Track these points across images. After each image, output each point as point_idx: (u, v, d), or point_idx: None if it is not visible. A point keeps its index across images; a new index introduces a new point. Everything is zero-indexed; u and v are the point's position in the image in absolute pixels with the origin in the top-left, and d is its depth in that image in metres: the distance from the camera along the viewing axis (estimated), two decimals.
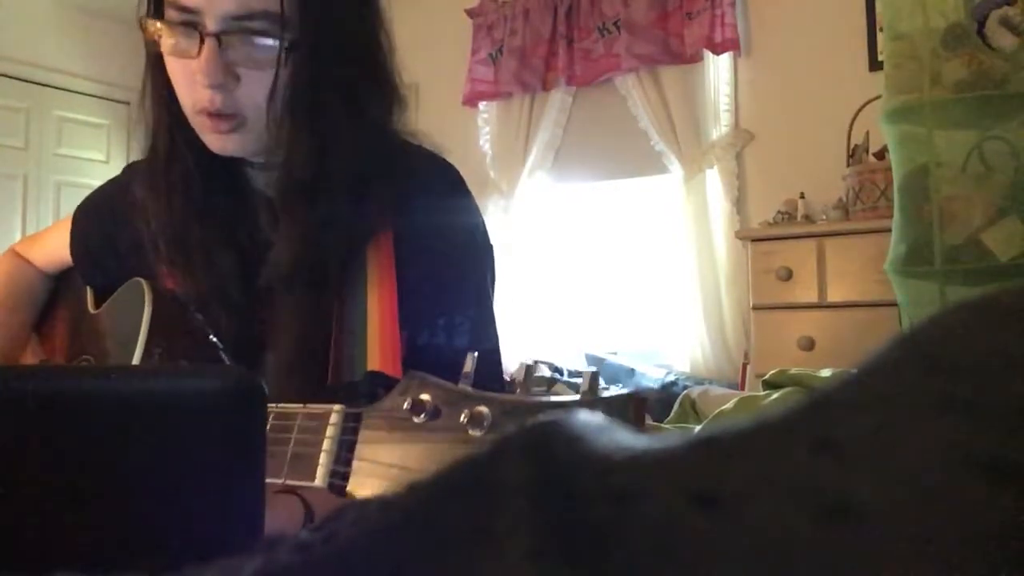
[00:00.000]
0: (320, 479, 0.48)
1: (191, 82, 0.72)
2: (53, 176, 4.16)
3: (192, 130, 0.75)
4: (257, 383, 0.33)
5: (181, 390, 0.32)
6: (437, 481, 0.17)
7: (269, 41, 0.70)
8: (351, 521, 0.18)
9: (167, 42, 0.72)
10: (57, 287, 1.00)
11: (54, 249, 0.98)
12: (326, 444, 0.49)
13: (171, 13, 0.71)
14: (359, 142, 0.75)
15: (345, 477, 0.47)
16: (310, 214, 0.74)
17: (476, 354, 0.47)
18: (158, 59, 0.76)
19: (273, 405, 0.53)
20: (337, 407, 0.50)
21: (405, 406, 0.45)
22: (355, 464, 0.47)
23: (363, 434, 0.48)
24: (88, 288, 0.93)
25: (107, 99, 4.27)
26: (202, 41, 0.69)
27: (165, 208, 0.78)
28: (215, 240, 0.78)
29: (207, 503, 0.31)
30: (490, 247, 0.85)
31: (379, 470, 0.46)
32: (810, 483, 0.14)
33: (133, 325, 0.78)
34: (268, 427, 0.52)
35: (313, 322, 0.73)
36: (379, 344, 0.69)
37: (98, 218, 0.93)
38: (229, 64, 0.70)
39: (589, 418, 0.18)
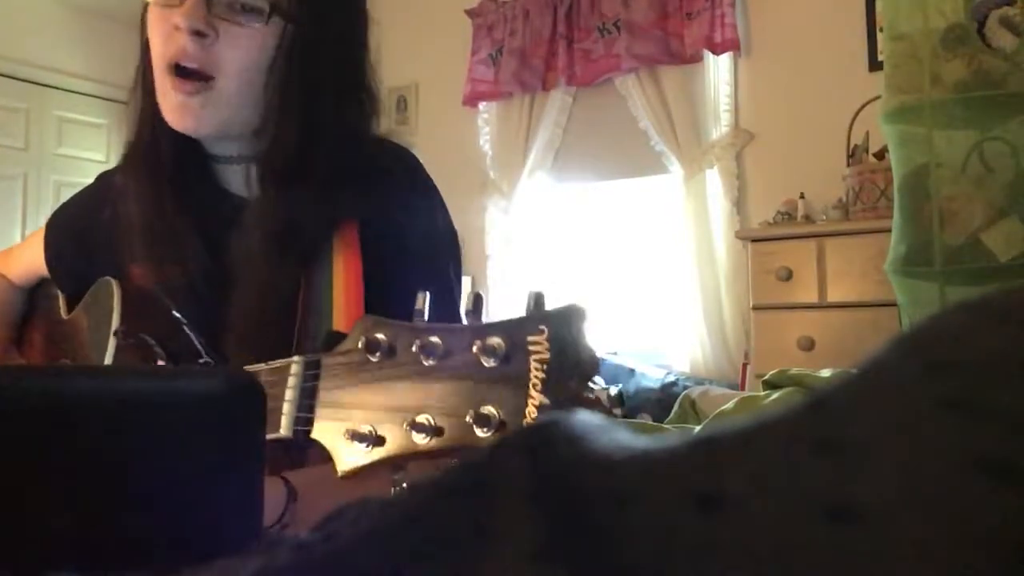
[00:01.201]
0: (284, 428, 0.49)
1: (169, 33, 0.73)
2: (53, 176, 4.16)
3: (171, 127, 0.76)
4: (256, 383, 0.33)
5: (179, 390, 0.32)
6: (437, 481, 0.17)
7: (255, 4, 0.72)
8: (351, 521, 0.18)
9: None
10: (34, 300, 1.01)
11: (28, 262, 0.98)
12: (288, 395, 0.50)
13: None
14: (342, 130, 0.77)
15: (308, 423, 0.48)
16: (289, 192, 0.75)
17: (427, 293, 0.48)
18: (148, 48, 0.77)
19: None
20: (296, 358, 0.51)
21: (360, 345, 0.46)
22: (318, 410, 0.48)
23: (323, 381, 0.48)
24: (60, 296, 0.94)
25: (107, 99, 4.26)
26: None
27: (141, 196, 0.80)
28: (185, 232, 0.79)
29: (205, 503, 0.31)
30: (454, 237, 0.87)
31: (340, 413, 0.46)
32: (810, 484, 0.14)
33: (104, 319, 0.79)
34: None
35: (277, 305, 0.74)
36: (344, 324, 0.69)
37: (70, 226, 0.94)
38: (212, 17, 0.72)
39: (590, 418, 0.18)
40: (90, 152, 4.30)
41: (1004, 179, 1.77)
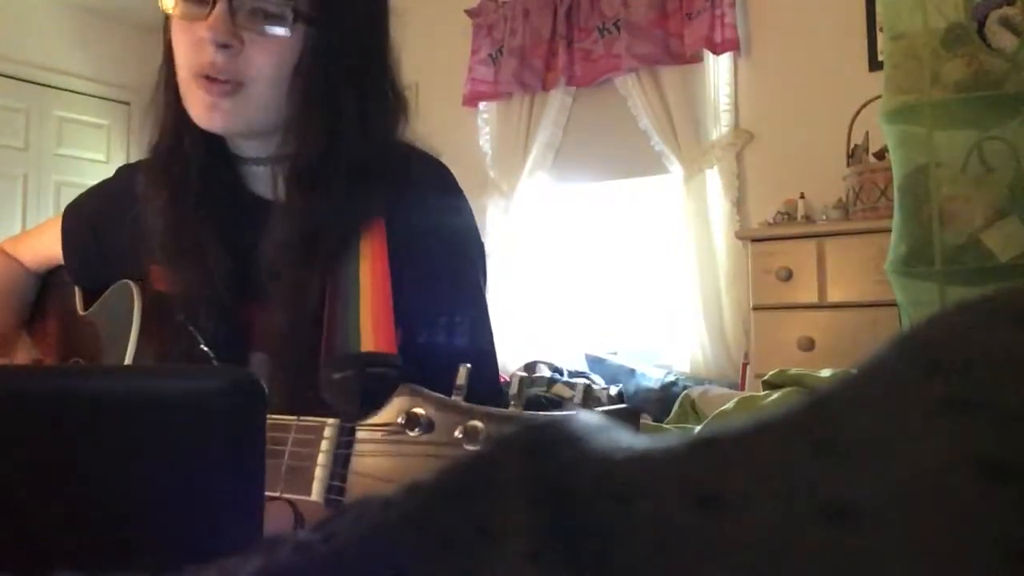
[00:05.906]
0: (316, 494, 0.49)
1: (196, 45, 0.73)
2: (53, 176, 4.16)
3: (197, 129, 0.76)
4: (257, 383, 0.33)
5: (181, 390, 0.32)
6: (438, 481, 0.17)
7: (278, 12, 0.72)
8: (351, 521, 0.18)
9: (179, 7, 0.74)
10: (46, 284, 1.00)
11: (43, 247, 0.98)
12: (321, 458, 0.49)
13: None
14: (367, 128, 0.76)
15: (341, 492, 0.47)
16: (314, 194, 0.75)
17: (468, 366, 0.47)
18: (171, 51, 0.77)
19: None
20: (331, 420, 0.50)
21: (399, 420, 0.46)
22: (350, 478, 0.47)
23: (357, 448, 0.48)
24: (76, 288, 0.93)
25: (107, 99, 4.26)
26: (214, 3, 0.71)
27: (163, 203, 0.79)
28: (209, 239, 0.78)
29: (207, 503, 0.31)
30: (483, 248, 0.87)
31: (375, 484, 0.46)
32: (810, 484, 0.14)
33: (122, 328, 0.78)
34: None
35: (302, 310, 0.73)
36: (371, 317, 0.69)
37: (89, 220, 0.94)
38: (237, 28, 0.72)
39: (590, 419, 0.18)
40: (90, 152, 4.30)
41: (1004, 179, 1.77)
